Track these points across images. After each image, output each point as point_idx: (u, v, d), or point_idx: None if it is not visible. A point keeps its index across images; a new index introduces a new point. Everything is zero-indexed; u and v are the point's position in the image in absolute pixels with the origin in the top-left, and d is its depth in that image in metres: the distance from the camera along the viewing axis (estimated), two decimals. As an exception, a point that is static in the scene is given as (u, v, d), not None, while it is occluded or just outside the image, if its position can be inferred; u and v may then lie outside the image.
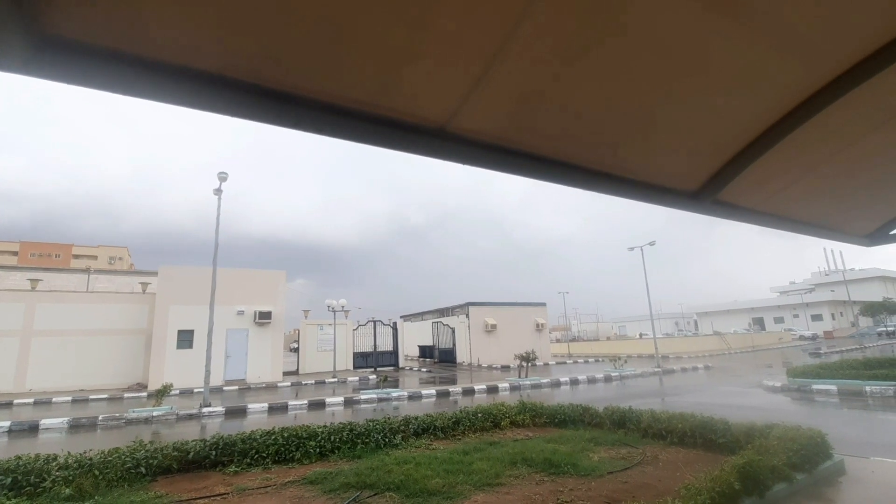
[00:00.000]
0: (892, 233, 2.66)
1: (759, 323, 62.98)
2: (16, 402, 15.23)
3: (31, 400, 15.45)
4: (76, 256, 58.83)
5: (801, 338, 46.11)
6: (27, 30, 0.79)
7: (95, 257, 58.69)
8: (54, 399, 15.80)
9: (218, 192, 14.62)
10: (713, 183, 1.88)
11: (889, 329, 43.44)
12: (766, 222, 2.32)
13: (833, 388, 11.92)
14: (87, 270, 33.23)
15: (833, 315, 58.60)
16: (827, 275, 66.97)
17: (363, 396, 14.53)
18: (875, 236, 2.70)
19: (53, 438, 9.84)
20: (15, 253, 55.37)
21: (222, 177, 14.43)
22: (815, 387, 12.29)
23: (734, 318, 64.96)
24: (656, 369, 20.90)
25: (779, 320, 61.55)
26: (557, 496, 4.37)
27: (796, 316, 59.85)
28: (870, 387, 11.32)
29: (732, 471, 3.97)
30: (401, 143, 1.27)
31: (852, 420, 8.85)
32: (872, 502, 4.10)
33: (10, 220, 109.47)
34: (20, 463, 5.06)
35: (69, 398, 16.01)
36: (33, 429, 10.84)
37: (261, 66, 1.00)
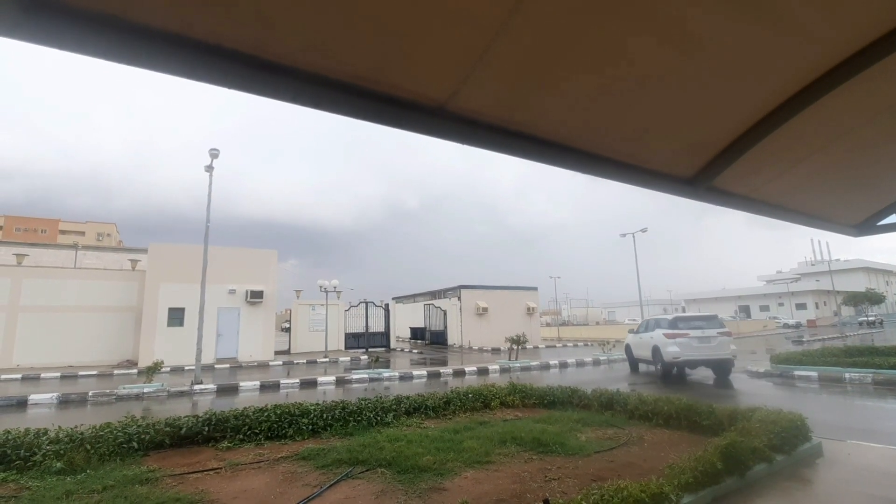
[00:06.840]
0: (879, 223, 2.70)
1: (745, 310, 64.07)
2: (2, 377, 15.15)
3: (19, 375, 15.38)
4: (63, 232, 57.87)
5: (786, 326, 47.01)
6: None
7: (83, 233, 57.80)
8: (42, 375, 15.74)
9: (209, 168, 14.43)
10: (708, 170, 1.88)
11: (869, 319, 44.46)
12: (759, 210, 2.34)
13: (814, 374, 12.22)
14: (74, 246, 32.78)
15: (817, 304, 59.75)
16: (813, 265, 68.09)
17: (355, 376, 14.66)
18: (863, 226, 2.73)
19: (43, 414, 9.83)
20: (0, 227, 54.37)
21: (213, 153, 14.23)
22: (797, 373, 12.60)
23: (721, 305, 65.99)
24: (643, 354, 21.26)
25: (764, 308, 62.65)
26: (545, 474, 4.48)
27: (781, 304, 60.94)
28: (849, 374, 11.63)
29: (715, 451, 4.08)
30: (400, 120, 1.25)
31: (831, 405, 9.11)
32: (847, 483, 4.26)
33: (3, 196, 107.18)
34: (9, 437, 5.04)
35: (57, 374, 15.95)
36: (21, 404, 10.81)
37: (259, 38, 0.97)
